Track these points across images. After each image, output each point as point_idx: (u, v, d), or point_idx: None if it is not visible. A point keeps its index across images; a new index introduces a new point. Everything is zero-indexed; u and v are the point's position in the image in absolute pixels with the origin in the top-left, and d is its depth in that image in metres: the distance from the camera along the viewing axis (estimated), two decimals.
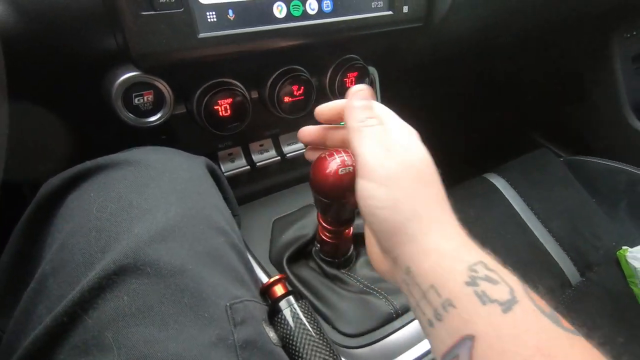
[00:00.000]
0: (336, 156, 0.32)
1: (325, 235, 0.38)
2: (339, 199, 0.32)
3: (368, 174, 0.26)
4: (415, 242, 0.25)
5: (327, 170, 0.31)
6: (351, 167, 0.31)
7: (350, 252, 0.42)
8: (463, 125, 1.12)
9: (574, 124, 0.97)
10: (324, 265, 0.42)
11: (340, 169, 0.31)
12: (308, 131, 0.35)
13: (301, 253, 0.44)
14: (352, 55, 0.46)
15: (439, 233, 0.25)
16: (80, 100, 0.40)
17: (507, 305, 0.21)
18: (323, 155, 0.33)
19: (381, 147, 0.27)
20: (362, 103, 0.29)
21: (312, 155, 0.36)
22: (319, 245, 0.41)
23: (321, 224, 0.38)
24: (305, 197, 0.50)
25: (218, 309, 0.25)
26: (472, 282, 0.22)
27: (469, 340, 0.21)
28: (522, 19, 0.63)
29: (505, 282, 0.22)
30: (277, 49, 0.38)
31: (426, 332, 0.24)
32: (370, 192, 0.26)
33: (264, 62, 0.42)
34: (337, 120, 0.34)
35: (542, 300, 0.22)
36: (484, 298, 0.21)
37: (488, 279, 0.22)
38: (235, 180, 0.46)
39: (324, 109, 0.34)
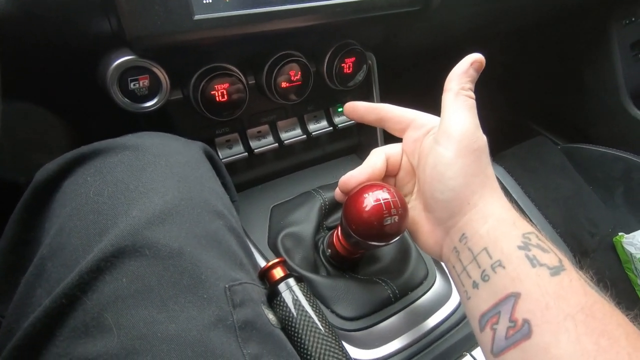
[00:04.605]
0: (382, 202, 0.29)
1: (341, 249, 0.38)
2: (372, 241, 0.31)
3: (450, 142, 0.27)
4: (476, 209, 0.27)
5: (371, 217, 0.29)
6: (396, 217, 0.29)
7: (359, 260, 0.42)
8: None
9: (572, 112, 0.97)
10: (329, 267, 0.41)
11: (386, 218, 0.29)
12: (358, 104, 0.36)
13: (300, 241, 0.44)
14: (349, 41, 0.46)
15: (498, 203, 0.27)
16: (75, 87, 0.40)
17: (555, 270, 0.22)
18: (370, 197, 0.30)
19: (472, 121, 0.28)
20: (473, 74, 0.30)
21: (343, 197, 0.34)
22: (329, 251, 0.41)
23: (340, 243, 0.37)
24: (302, 184, 0.50)
25: (217, 291, 0.25)
26: (524, 247, 0.24)
27: (513, 297, 0.22)
28: (520, 5, 0.62)
29: (555, 253, 0.24)
30: (273, 32, 0.38)
31: (468, 294, 0.26)
32: (446, 160, 0.27)
33: (260, 47, 0.42)
34: (366, 120, 0.36)
35: (585, 274, 0.24)
36: (534, 261, 0.23)
37: (539, 247, 0.24)
38: (232, 167, 0.46)
39: (358, 106, 0.36)
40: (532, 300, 0.22)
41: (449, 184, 0.27)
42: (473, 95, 0.30)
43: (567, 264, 0.23)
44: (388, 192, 0.30)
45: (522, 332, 0.21)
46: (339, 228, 0.37)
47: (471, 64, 0.30)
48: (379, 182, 0.32)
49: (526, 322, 0.21)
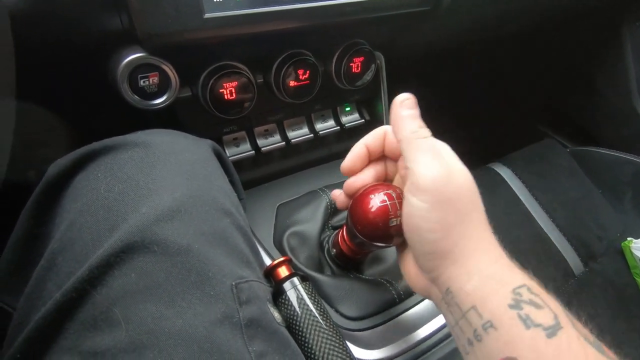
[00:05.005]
0: (389, 203, 0.29)
1: (346, 249, 0.38)
2: (376, 241, 0.31)
3: (422, 193, 0.25)
4: (459, 264, 0.25)
5: (381, 223, 0.29)
6: (400, 219, 0.29)
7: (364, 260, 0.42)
8: (470, 115, 1.11)
9: (582, 115, 0.96)
10: (333, 267, 0.42)
11: (391, 220, 0.29)
12: (353, 157, 0.33)
13: (305, 240, 0.44)
14: (358, 40, 0.46)
15: (483, 256, 0.25)
16: (86, 84, 0.40)
17: (552, 331, 0.21)
18: (375, 196, 0.30)
19: (437, 165, 0.26)
20: (410, 112, 0.28)
21: (345, 203, 0.34)
22: (334, 250, 0.41)
23: (345, 243, 0.37)
24: (309, 182, 0.50)
25: (224, 288, 0.26)
26: (515, 305, 0.22)
27: None
28: (530, 5, 0.62)
29: (550, 307, 0.22)
30: (283, 31, 0.38)
31: (465, 349, 0.24)
32: (421, 213, 0.25)
33: (269, 46, 0.42)
34: (364, 166, 0.33)
35: (585, 328, 0.22)
36: (527, 322, 0.21)
37: (532, 303, 0.22)
38: (239, 165, 0.46)
39: (346, 164, 0.33)
40: None
41: (427, 237, 0.25)
42: (426, 133, 0.27)
43: (564, 319, 0.22)
44: (395, 193, 0.30)
45: None
46: (344, 228, 0.37)
47: (401, 106, 0.28)
48: (385, 183, 0.32)
49: None
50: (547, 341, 0.20)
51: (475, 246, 0.25)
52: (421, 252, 0.26)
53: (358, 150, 0.33)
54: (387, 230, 0.29)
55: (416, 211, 0.26)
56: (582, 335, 0.21)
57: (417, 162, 0.26)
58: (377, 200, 0.29)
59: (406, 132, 0.27)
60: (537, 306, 0.22)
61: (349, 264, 0.41)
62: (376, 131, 0.33)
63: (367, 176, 0.33)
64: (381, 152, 0.33)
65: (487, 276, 0.24)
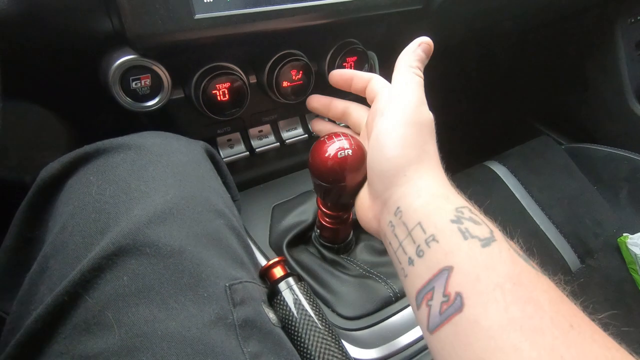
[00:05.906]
0: (335, 140, 0.32)
1: (325, 221, 0.38)
2: (338, 183, 0.32)
3: (394, 113, 0.28)
4: (411, 182, 0.27)
5: (327, 154, 0.32)
6: (350, 151, 0.31)
7: (350, 237, 0.43)
8: (465, 113, 1.11)
9: (576, 112, 0.96)
10: (323, 251, 0.42)
11: (339, 152, 0.31)
12: (317, 98, 0.40)
13: (300, 239, 0.44)
14: (351, 40, 0.46)
15: (433, 178, 0.27)
16: (78, 86, 0.40)
17: (486, 242, 0.23)
18: (322, 139, 0.33)
19: (417, 95, 0.29)
20: (421, 54, 0.31)
21: (317, 125, 0.42)
22: (318, 231, 0.41)
23: (321, 209, 0.38)
24: (304, 183, 0.50)
25: (217, 289, 0.26)
26: (457, 220, 0.24)
27: (446, 271, 0.22)
28: (525, 2, 0.62)
29: (487, 224, 0.24)
30: (275, 31, 0.38)
31: (405, 272, 0.26)
32: (386, 129, 0.28)
33: (262, 46, 0.42)
34: (344, 87, 0.37)
35: (516, 245, 0.24)
36: (466, 234, 0.23)
37: (472, 220, 0.24)
38: (234, 166, 0.46)
39: (335, 73, 0.37)
40: (463, 273, 0.22)
41: (386, 152, 0.28)
42: (421, 74, 0.31)
43: (498, 235, 0.23)
44: (342, 135, 0.33)
45: (454, 306, 0.21)
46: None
47: (419, 45, 0.31)
48: (335, 133, 0.34)
49: (458, 295, 0.21)
50: (482, 250, 0.22)
51: (427, 169, 0.27)
52: (379, 170, 0.28)
53: (346, 72, 0.38)
54: (338, 161, 0.31)
55: (382, 128, 0.28)
56: (514, 249, 0.23)
57: (400, 85, 0.30)
58: (324, 139, 0.33)
59: (408, 62, 0.31)
60: (476, 222, 0.24)
61: (336, 242, 0.41)
62: (365, 73, 0.37)
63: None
64: (362, 90, 0.36)
65: (434, 194, 0.26)
